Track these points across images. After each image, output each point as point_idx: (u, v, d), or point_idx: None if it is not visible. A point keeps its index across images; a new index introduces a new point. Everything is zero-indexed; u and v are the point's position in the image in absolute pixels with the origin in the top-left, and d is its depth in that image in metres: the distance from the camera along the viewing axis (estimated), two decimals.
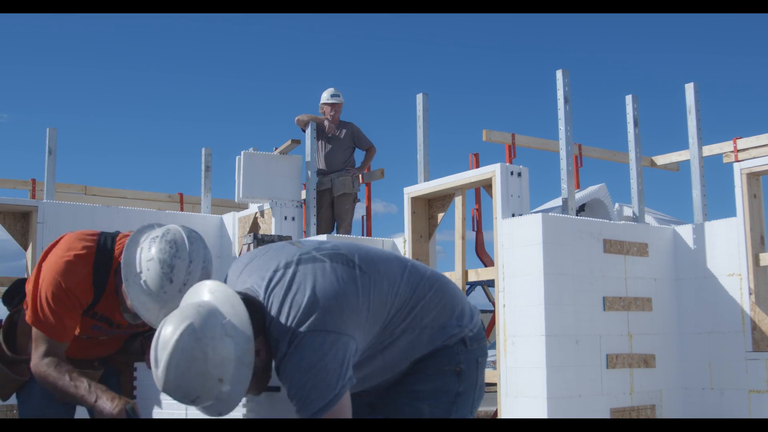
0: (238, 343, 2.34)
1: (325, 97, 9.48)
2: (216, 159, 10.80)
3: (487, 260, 8.36)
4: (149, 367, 2.98)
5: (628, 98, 8.04)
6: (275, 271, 2.50)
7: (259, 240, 7.20)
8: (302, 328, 2.37)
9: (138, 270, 2.94)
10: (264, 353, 2.47)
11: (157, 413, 2.90)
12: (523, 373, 6.72)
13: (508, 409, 6.84)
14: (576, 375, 6.75)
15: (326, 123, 9.52)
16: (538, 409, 6.59)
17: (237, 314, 2.37)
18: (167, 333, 2.34)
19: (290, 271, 2.48)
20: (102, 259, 3.14)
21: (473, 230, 8.62)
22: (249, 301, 2.44)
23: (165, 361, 2.32)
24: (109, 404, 2.95)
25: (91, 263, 3.16)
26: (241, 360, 2.35)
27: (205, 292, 2.47)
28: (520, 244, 6.93)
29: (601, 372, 6.92)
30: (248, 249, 8.67)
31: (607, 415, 6.88)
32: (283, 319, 2.40)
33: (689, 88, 7.86)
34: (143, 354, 3.16)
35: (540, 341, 6.63)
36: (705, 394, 7.29)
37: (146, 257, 2.92)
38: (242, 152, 9.01)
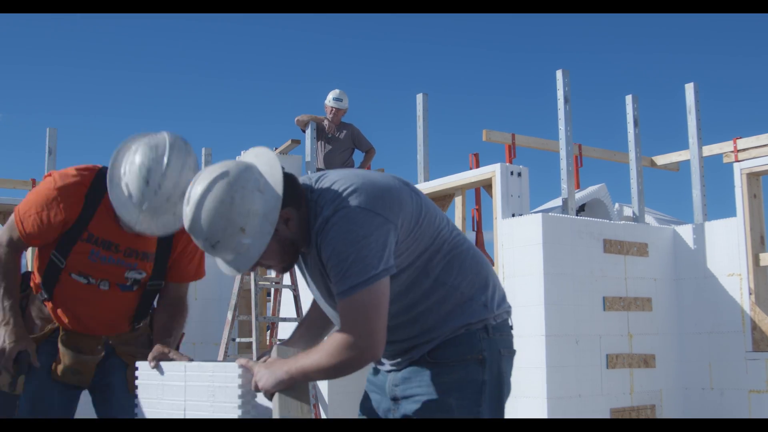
0: (267, 200, 2.40)
1: (330, 98, 9.43)
2: (216, 159, 10.82)
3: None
4: (152, 367, 2.99)
5: (628, 98, 8.04)
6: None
7: None
8: (352, 202, 2.36)
9: (121, 172, 3.09)
10: (295, 225, 2.48)
11: (157, 413, 2.90)
12: (523, 373, 6.72)
13: (508, 409, 6.83)
14: (576, 375, 6.76)
15: (326, 123, 9.52)
16: (538, 409, 6.59)
17: (273, 175, 2.44)
18: (203, 175, 2.45)
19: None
20: (100, 179, 3.26)
21: (473, 230, 8.62)
22: (291, 177, 2.52)
23: (195, 198, 2.41)
24: (6, 337, 3.20)
25: (89, 181, 3.29)
26: (266, 216, 2.39)
27: (251, 153, 2.59)
28: (520, 244, 6.93)
29: (601, 372, 6.93)
30: None
31: (607, 415, 6.88)
32: (333, 189, 2.43)
33: (689, 88, 7.86)
34: (149, 348, 3.18)
35: (540, 341, 6.63)
36: (705, 394, 7.29)
37: (129, 161, 3.08)
38: (242, 152, 8.96)
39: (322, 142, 9.53)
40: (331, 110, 9.46)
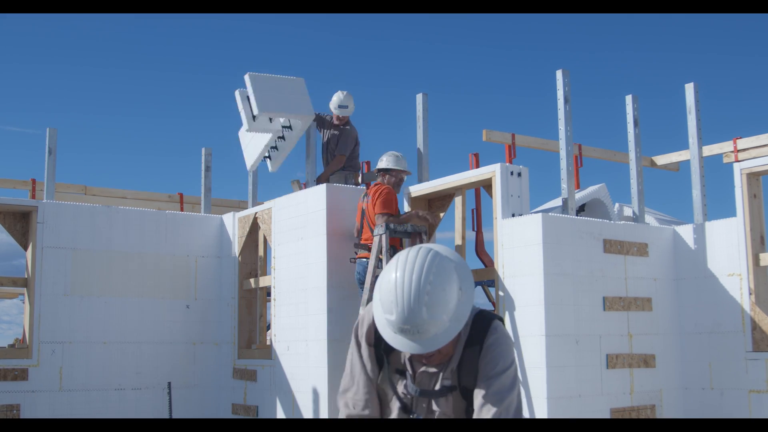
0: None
1: (335, 104, 9.31)
2: (216, 159, 10.82)
3: (487, 260, 8.36)
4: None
5: (628, 98, 8.04)
6: None
7: (392, 230, 7.26)
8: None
9: None
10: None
11: None
12: (523, 373, 6.72)
13: None
14: (576, 375, 6.75)
15: (328, 117, 9.46)
16: (538, 409, 6.59)
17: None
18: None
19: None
20: None
21: (473, 230, 8.61)
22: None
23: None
24: None
25: None
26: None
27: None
28: (520, 244, 6.93)
29: (601, 372, 6.92)
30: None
31: (607, 415, 6.88)
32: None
33: (689, 88, 7.85)
34: None
35: (540, 341, 6.63)
36: (705, 394, 7.29)
37: None
38: (246, 75, 8.83)
39: (324, 131, 9.48)
40: (335, 116, 9.40)
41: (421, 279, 2.46)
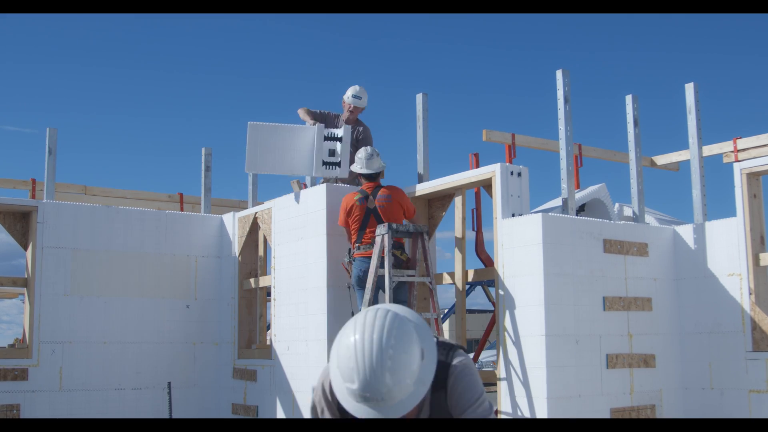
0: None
1: (349, 95, 9.20)
2: (216, 159, 10.82)
3: (487, 260, 8.35)
4: None
5: (628, 98, 8.03)
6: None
7: (394, 231, 7.24)
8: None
9: None
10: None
11: None
12: (523, 373, 6.72)
13: (509, 409, 6.84)
14: (576, 375, 6.75)
15: (338, 118, 9.32)
16: (538, 409, 6.59)
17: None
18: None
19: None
20: None
21: (473, 230, 8.61)
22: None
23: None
24: None
25: None
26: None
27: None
28: (520, 244, 6.93)
29: (601, 372, 6.93)
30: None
31: (607, 415, 6.88)
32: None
33: (689, 88, 7.85)
34: None
35: (540, 341, 6.63)
36: (705, 394, 7.29)
37: None
38: (249, 123, 8.64)
39: (348, 127, 9.32)
40: (350, 107, 9.24)
41: (382, 342, 2.33)
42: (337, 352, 2.40)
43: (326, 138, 8.57)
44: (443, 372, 2.60)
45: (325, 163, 8.52)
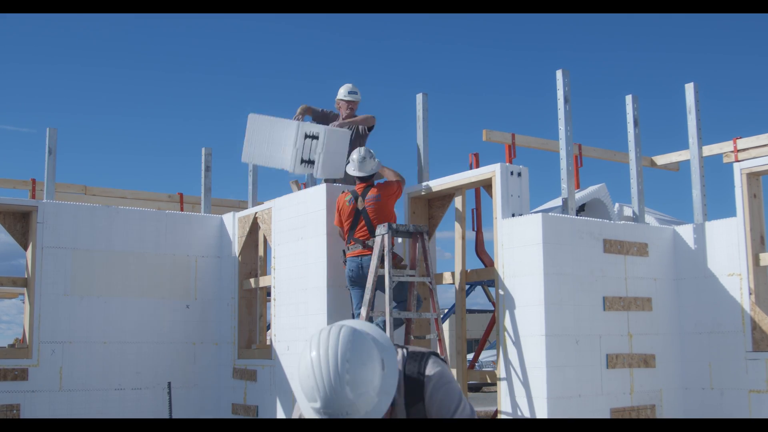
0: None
1: (342, 93, 9.26)
2: (216, 159, 10.83)
3: (487, 260, 8.35)
4: None
5: (628, 98, 8.03)
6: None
7: (394, 230, 7.24)
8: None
9: None
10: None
11: None
12: (523, 373, 6.72)
13: (508, 409, 6.84)
14: (576, 375, 6.75)
15: (339, 118, 9.31)
16: (538, 409, 6.59)
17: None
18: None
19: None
20: None
21: (473, 230, 8.61)
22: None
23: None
24: None
25: None
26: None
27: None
28: (520, 244, 6.93)
29: (601, 372, 6.93)
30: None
31: (607, 415, 6.88)
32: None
33: (689, 88, 7.85)
34: None
35: (540, 341, 6.63)
36: (705, 394, 7.29)
37: None
38: (249, 115, 8.86)
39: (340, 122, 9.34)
40: (348, 104, 9.24)
41: (338, 356, 2.31)
42: (298, 372, 2.39)
43: (307, 136, 8.63)
44: (418, 384, 2.59)
45: (303, 161, 8.58)
